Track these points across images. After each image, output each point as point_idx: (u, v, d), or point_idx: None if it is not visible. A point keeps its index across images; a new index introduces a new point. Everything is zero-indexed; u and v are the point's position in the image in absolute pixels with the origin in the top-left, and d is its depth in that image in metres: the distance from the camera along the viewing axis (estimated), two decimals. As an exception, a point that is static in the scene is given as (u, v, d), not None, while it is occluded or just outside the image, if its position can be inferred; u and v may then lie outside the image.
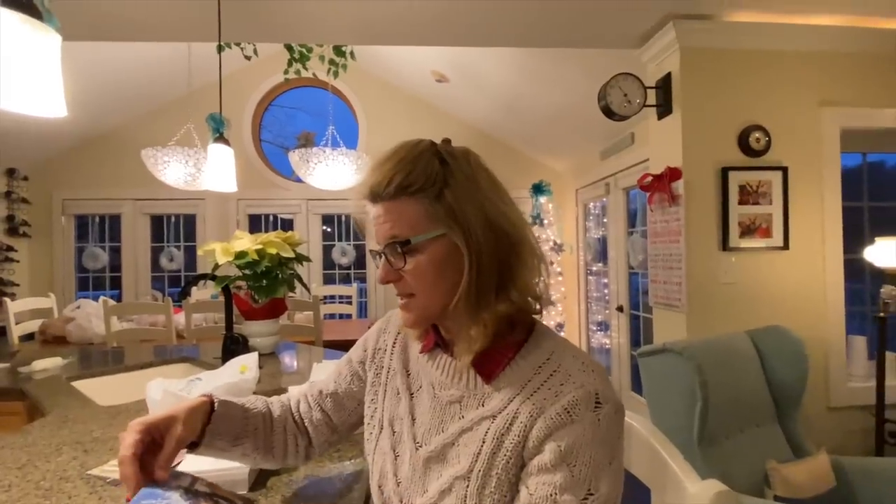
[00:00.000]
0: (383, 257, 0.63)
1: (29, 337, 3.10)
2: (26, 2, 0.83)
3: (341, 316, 4.33)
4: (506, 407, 0.60)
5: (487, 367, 0.63)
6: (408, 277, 0.62)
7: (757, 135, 2.16)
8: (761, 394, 1.85)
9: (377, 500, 0.70)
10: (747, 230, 2.17)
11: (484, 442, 0.59)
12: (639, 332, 3.74)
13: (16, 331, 2.93)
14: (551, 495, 0.53)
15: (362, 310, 4.76)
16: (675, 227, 2.21)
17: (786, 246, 2.18)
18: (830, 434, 2.15)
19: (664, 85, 2.24)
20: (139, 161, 3.28)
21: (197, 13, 2.12)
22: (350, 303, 4.24)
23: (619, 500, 0.58)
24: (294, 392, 0.87)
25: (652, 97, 2.26)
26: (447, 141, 0.66)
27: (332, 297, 4.41)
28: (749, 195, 2.17)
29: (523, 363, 0.62)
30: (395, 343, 0.77)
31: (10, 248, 4.21)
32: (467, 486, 0.58)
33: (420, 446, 0.66)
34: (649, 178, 2.30)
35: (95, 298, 3.32)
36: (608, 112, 2.21)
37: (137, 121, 4.53)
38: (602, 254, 4.34)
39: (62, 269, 4.60)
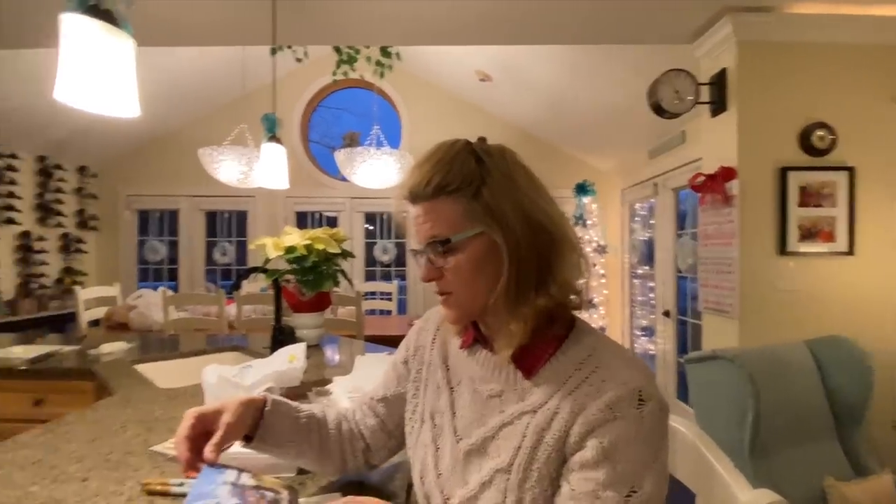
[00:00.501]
0: (424, 256, 0.64)
1: (95, 323, 3.33)
2: (105, 10, 0.89)
3: (381, 312, 4.41)
4: (546, 402, 0.60)
5: (527, 362, 0.63)
6: (449, 275, 0.63)
7: (820, 133, 2.04)
8: (819, 407, 1.75)
9: (419, 491, 0.71)
10: (808, 234, 2.05)
11: (525, 436, 0.59)
12: (686, 338, 3.61)
13: (84, 317, 3.16)
14: (594, 491, 0.53)
15: (402, 307, 4.82)
16: (728, 229, 2.12)
17: (851, 251, 2.04)
18: (897, 454, 2.00)
19: (719, 81, 2.15)
20: (196, 160, 3.46)
21: (252, 17, 2.21)
22: (390, 299, 4.31)
23: (664, 500, 0.56)
24: (349, 403, 0.89)
25: (705, 94, 2.17)
26: (483, 139, 0.67)
27: (373, 293, 4.49)
28: (811, 197, 2.05)
29: (564, 359, 0.62)
30: (434, 339, 0.78)
31: (80, 241, 4.54)
32: (508, 479, 0.59)
33: (461, 439, 0.66)
34: (701, 178, 2.21)
35: (155, 289, 3.54)
36: (658, 109, 2.14)
37: (195, 122, 4.78)
38: (648, 256, 4.21)
39: (125, 260, 4.92)
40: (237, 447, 0.73)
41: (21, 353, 1.75)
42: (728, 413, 1.65)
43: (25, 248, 4.01)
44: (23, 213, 3.95)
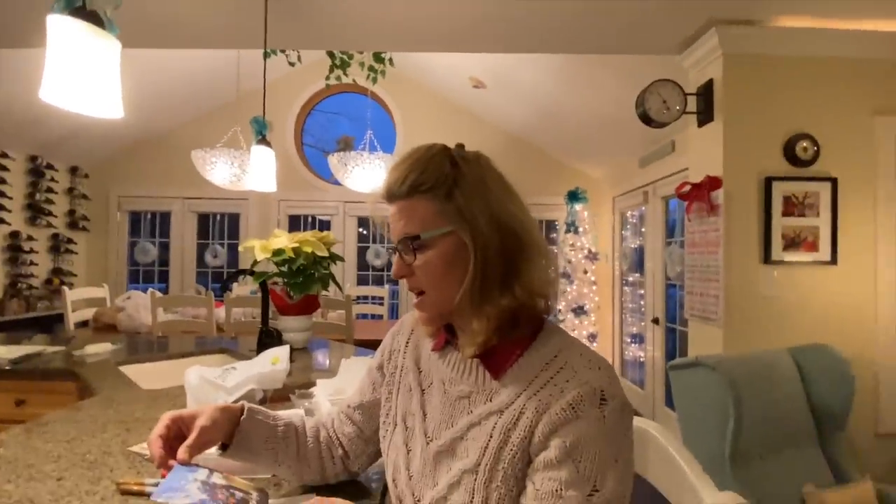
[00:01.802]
0: (397, 253, 0.67)
1: (83, 324, 3.31)
2: (90, 11, 0.90)
3: (373, 316, 4.40)
4: (513, 402, 0.61)
5: (495, 362, 0.65)
6: (419, 273, 0.65)
7: (804, 144, 2.07)
8: (801, 414, 1.77)
9: (392, 493, 0.72)
10: (791, 243, 2.08)
11: (491, 437, 0.60)
12: (675, 345, 3.63)
13: (72, 317, 3.14)
14: (556, 491, 0.54)
15: (394, 311, 4.83)
16: (713, 237, 2.15)
17: (833, 261, 2.08)
18: (877, 461, 2.02)
19: (705, 92, 2.19)
20: (189, 162, 3.45)
21: (244, 20, 2.23)
22: (382, 304, 4.31)
23: (628, 499, 0.57)
24: (329, 411, 0.90)
25: (693, 104, 2.21)
26: (461, 146, 0.70)
27: (365, 297, 4.49)
28: (794, 207, 2.08)
29: (530, 360, 0.63)
30: (407, 342, 0.80)
31: (70, 241, 4.52)
32: (475, 480, 0.60)
33: (430, 441, 0.67)
34: (687, 187, 2.24)
35: (145, 290, 3.52)
36: (646, 119, 2.17)
37: (189, 124, 4.78)
38: (639, 264, 4.24)
39: (116, 261, 4.89)
40: (213, 452, 0.74)
41: (4, 353, 1.74)
42: (710, 420, 1.67)
43: (14, 248, 3.98)
44: (12, 212, 3.93)
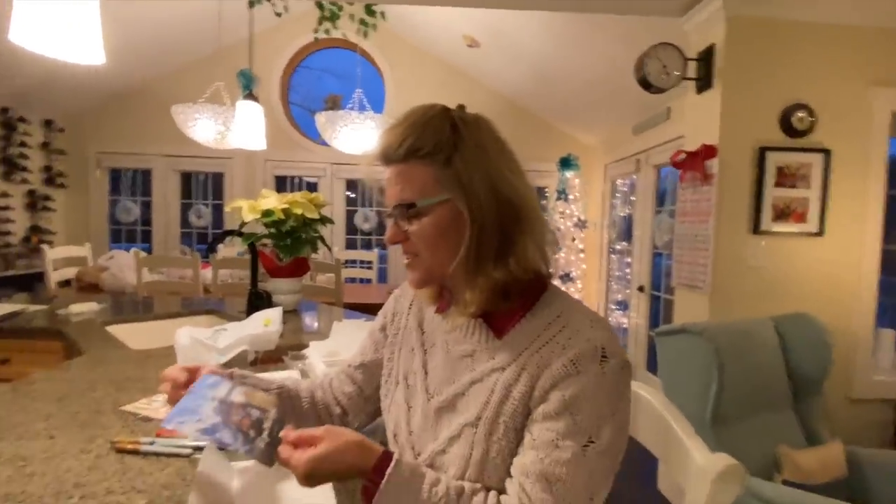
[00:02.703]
0: (392, 218, 0.65)
1: (65, 283, 3.24)
2: (65, -54, 0.83)
3: (362, 280, 4.40)
4: (515, 360, 0.62)
5: (499, 322, 0.65)
6: (413, 239, 0.64)
7: (801, 114, 2.06)
8: (779, 380, 1.83)
9: (392, 449, 0.73)
10: (781, 214, 2.10)
11: (493, 392, 0.61)
12: (658, 313, 3.70)
13: (53, 276, 3.07)
14: (553, 441, 0.56)
15: (382, 275, 4.82)
16: (705, 206, 2.15)
17: (820, 232, 2.10)
18: (848, 425, 2.12)
19: (706, 57, 2.14)
20: (169, 117, 3.32)
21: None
22: (371, 268, 4.30)
23: (622, 454, 0.59)
24: (324, 367, 0.90)
25: (692, 70, 2.16)
26: (461, 107, 0.67)
27: (354, 261, 4.47)
28: (787, 178, 2.09)
29: (533, 320, 0.64)
30: (410, 305, 0.80)
31: (47, 198, 4.37)
32: (475, 433, 0.61)
33: (432, 397, 0.68)
34: (683, 155, 2.23)
35: (127, 250, 3.45)
36: (645, 84, 2.12)
37: (168, 76, 4.57)
38: (627, 232, 4.27)
39: (96, 220, 4.76)
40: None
41: (-15, 311, 1.70)
42: (693, 384, 1.72)
43: (-11, 204, 3.85)
44: (-15, 167, 3.77)
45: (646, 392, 0.85)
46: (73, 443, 0.80)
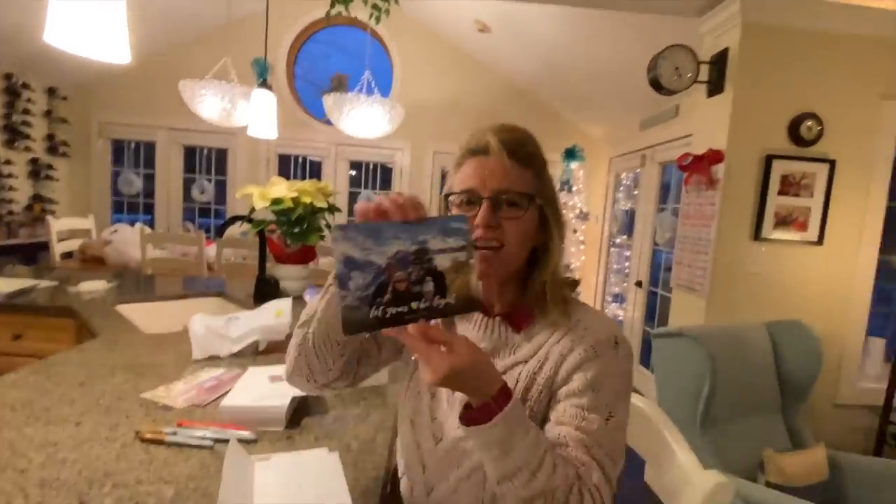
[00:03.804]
0: (487, 203, 0.66)
1: (68, 255, 3.26)
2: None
3: (363, 263, 4.42)
4: (536, 352, 0.69)
5: (518, 319, 0.73)
6: (507, 226, 0.67)
7: (809, 123, 2.07)
8: (769, 385, 1.88)
9: (410, 434, 0.77)
10: (783, 221, 2.13)
11: (518, 381, 0.68)
12: (654, 308, 3.76)
13: (57, 248, 3.09)
14: (579, 414, 0.63)
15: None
16: (708, 211, 2.18)
17: (820, 241, 2.14)
18: (833, 429, 2.19)
19: (719, 61, 2.14)
20: (175, 90, 3.28)
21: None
22: (372, 251, 4.31)
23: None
24: None
25: (704, 73, 2.16)
26: None
27: (356, 243, 4.48)
28: (790, 186, 2.11)
29: (550, 317, 0.71)
30: None
31: (50, 167, 4.35)
32: None
33: (440, 441, 0.73)
34: (689, 158, 2.24)
35: (130, 223, 3.46)
36: (656, 85, 2.13)
37: (176, 48, 4.50)
38: (628, 227, 4.29)
39: (99, 190, 4.75)
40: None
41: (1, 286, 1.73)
42: (686, 385, 1.77)
43: (-8, 171, 3.83)
44: (-12, 133, 3.74)
45: (641, 402, 0.90)
46: (99, 429, 0.84)
